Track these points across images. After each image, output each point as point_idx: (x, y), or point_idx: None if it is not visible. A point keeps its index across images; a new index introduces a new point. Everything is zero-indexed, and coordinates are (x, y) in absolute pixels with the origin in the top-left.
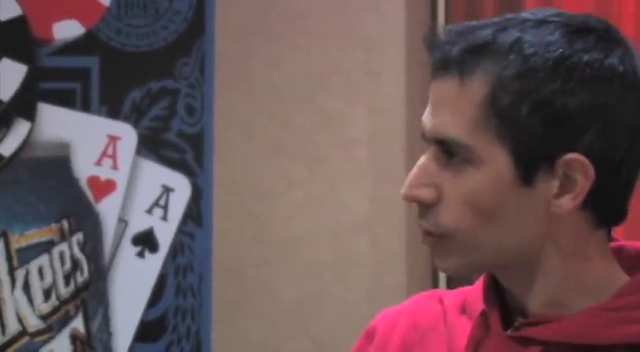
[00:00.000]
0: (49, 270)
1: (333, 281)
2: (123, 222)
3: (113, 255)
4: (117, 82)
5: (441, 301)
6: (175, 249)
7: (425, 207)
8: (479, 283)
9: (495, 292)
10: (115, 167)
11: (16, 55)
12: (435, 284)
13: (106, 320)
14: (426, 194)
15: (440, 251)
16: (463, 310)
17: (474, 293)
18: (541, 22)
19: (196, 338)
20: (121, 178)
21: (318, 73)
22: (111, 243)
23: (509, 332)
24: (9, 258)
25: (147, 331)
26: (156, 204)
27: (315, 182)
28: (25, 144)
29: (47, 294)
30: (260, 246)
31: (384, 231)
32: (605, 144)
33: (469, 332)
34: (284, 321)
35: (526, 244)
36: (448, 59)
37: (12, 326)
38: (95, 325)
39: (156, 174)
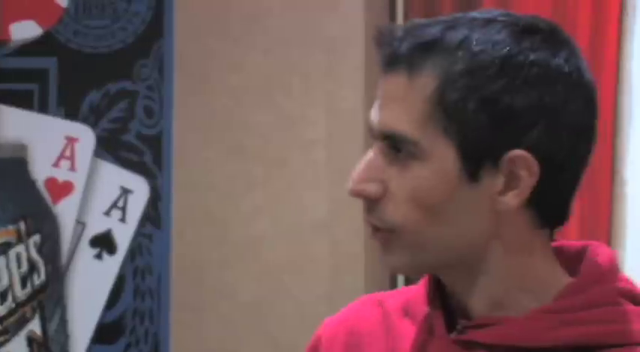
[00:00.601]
0: (5, 272)
1: (292, 283)
2: (81, 223)
3: (71, 256)
4: (75, 83)
5: (380, 304)
6: (134, 251)
7: (371, 203)
8: (421, 283)
9: (438, 293)
10: (72, 168)
11: None
12: (393, 285)
13: (64, 323)
14: (372, 189)
15: (387, 247)
16: (405, 312)
17: (416, 294)
18: (489, 21)
19: (154, 340)
20: (79, 180)
21: (277, 74)
22: (68, 244)
23: (453, 335)
24: None
25: (104, 333)
26: (114, 205)
27: (274, 183)
28: None
29: (3, 296)
30: (219, 248)
31: (343, 232)
32: (550, 143)
33: (412, 335)
34: (243, 323)
35: (471, 242)
36: (397, 55)
37: None
38: (52, 327)
39: (114, 176)
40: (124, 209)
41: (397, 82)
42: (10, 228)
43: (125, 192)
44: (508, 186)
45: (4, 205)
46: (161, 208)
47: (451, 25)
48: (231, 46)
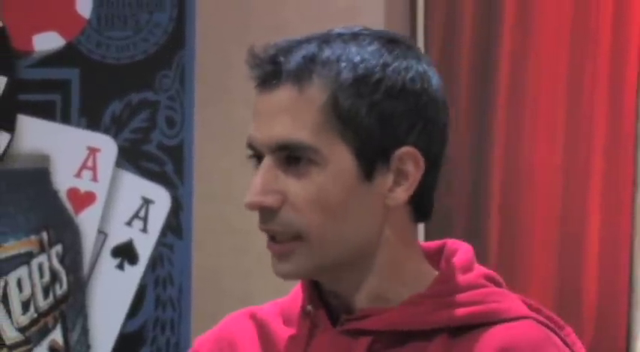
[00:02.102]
0: (27, 282)
1: None
2: (102, 233)
3: (92, 266)
4: (97, 93)
5: (252, 316)
6: (155, 261)
7: (269, 213)
8: (294, 292)
9: (316, 292)
10: (94, 179)
11: None
12: None
13: (85, 332)
14: (271, 199)
15: (289, 255)
16: (284, 319)
17: (290, 301)
18: (356, 35)
19: (175, 350)
20: (100, 190)
21: None
22: (90, 254)
23: (338, 327)
24: None
25: (126, 343)
26: (135, 216)
27: None
28: (5, 155)
29: (26, 306)
30: (240, 258)
31: None
32: (428, 140)
33: (292, 335)
34: None
35: (366, 238)
36: (281, 71)
37: None
38: (74, 337)
39: (136, 186)
40: (145, 219)
41: (285, 95)
42: (33, 238)
43: (146, 202)
44: (397, 182)
45: (26, 215)
46: (182, 218)
47: (325, 40)
48: None
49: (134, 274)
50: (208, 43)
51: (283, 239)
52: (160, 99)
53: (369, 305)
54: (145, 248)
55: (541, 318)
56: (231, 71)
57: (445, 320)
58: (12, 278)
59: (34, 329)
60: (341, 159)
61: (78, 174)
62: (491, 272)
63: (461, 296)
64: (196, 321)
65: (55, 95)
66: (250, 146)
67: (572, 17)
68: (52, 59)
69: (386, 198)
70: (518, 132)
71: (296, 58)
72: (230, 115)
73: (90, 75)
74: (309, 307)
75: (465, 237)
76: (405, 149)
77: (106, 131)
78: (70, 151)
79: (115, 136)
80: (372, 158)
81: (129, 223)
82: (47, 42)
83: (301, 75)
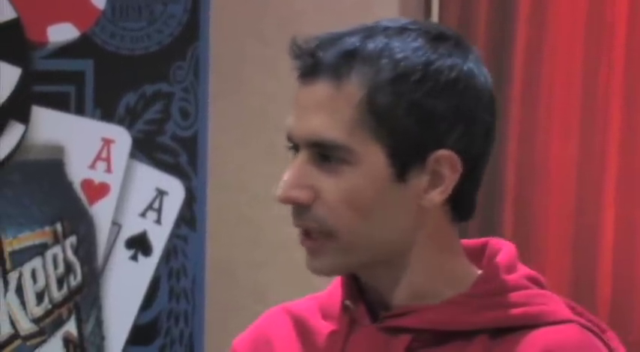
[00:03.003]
0: (42, 273)
1: (325, 286)
2: (116, 225)
3: (106, 258)
4: (111, 85)
5: (288, 312)
6: (169, 253)
7: (301, 208)
8: (333, 286)
9: (356, 288)
10: (108, 170)
11: (11, 58)
12: None
13: (99, 324)
14: (303, 195)
15: (320, 251)
16: (322, 314)
17: (329, 296)
18: (402, 30)
19: (189, 342)
20: (114, 181)
21: None
22: (104, 246)
23: (377, 324)
24: (2, 261)
25: (140, 334)
26: (150, 207)
27: None
28: (19, 147)
29: (40, 297)
30: (253, 250)
31: None
32: (468, 142)
33: (331, 330)
34: None
35: (399, 238)
36: (320, 65)
37: (4, 330)
38: (88, 328)
39: (150, 178)
40: (159, 210)
41: (322, 90)
42: (47, 229)
43: (160, 193)
44: (432, 184)
45: (40, 207)
46: (196, 210)
47: (368, 35)
48: (265, 48)
49: (148, 265)
50: (223, 34)
51: (316, 235)
52: (174, 91)
53: (409, 302)
54: (158, 239)
55: (585, 322)
56: (245, 62)
57: (488, 321)
58: (26, 269)
59: (48, 320)
60: (374, 158)
61: (92, 166)
62: (534, 272)
63: (505, 297)
64: (210, 313)
65: (70, 86)
66: (289, 137)
67: (587, 11)
68: (67, 50)
69: (421, 199)
70: (533, 126)
71: (335, 53)
72: (244, 107)
73: (104, 66)
74: (347, 302)
75: (480, 231)
76: (442, 152)
77: (120, 122)
78: (84, 142)
79: (129, 127)
80: (406, 159)
81: (143, 214)
82: (61, 33)
83: (339, 70)
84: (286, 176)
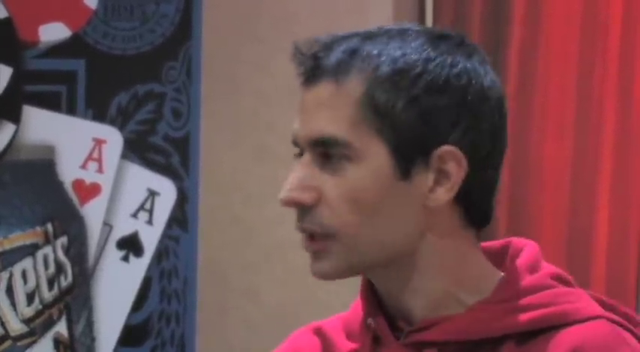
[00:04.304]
0: (32, 274)
1: (317, 287)
2: (108, 225)
3: (97, 258)
4: (103, 85)
5: (316, 331)
6: (160, 254)
7: (305, 210)
8: (354, 306)
9: (376, 302)
10: (100, 170)
11: (2, 57)
12: None
13: (90, 325)
14: (306, 196)
15: (323, 254)
16: (346, 333)
17: (352, 314)
18: (403, 31)
19: (180, 343)
20: (106, 182)
21: None
22: (95, 246)
23: (402, 340)
24: None
25: (131, 335)
26: (141, 207)
27: None
28: (10, 146)
29: (30, 298)
30: (245, 251)
31: None
32: (474, 140)
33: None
34: (268, 326)
35: (404, 239)
36: (322, 66)
37: None
38: (79, 329)
39: (141, 178)
40: (150, 211)
41: (324, 90)
42: (38, 229)
43: (152, 194)
44: (438, 182)
45: (31, 207)
46: (188, 210)
47: (369, 36)
48: (258, 48)
49: (139, 266)
50: (215, 34)
51: (319, 237)
52: (166, 91)
53: (430, 313)
54: (150, 240)
55: (615, 317)
56: (238, 63)
57: (513, 326)
58: (17, 269)
59: (38, 320)
60: (377, 155)
61: (83, 166)
62: (559, 270)
63: (528, 299)
64: (202, 314)
65: (61, 86)
66: (294, 142)
67: (581, 12)
68: (58, 50)
69: (427, 198)
70: (528, 126)
71: (336, 54)
72: (237, 107)
73: (96, 66)
74: (369, 320)
75: None
76: (446, 148)
77: (112, 122)
78: (75, 142)
79: (121, 128)
80: (409, 155)
81: (134, 215)
82: (53, 32)
83: (340, 70)
84: (289, 178)
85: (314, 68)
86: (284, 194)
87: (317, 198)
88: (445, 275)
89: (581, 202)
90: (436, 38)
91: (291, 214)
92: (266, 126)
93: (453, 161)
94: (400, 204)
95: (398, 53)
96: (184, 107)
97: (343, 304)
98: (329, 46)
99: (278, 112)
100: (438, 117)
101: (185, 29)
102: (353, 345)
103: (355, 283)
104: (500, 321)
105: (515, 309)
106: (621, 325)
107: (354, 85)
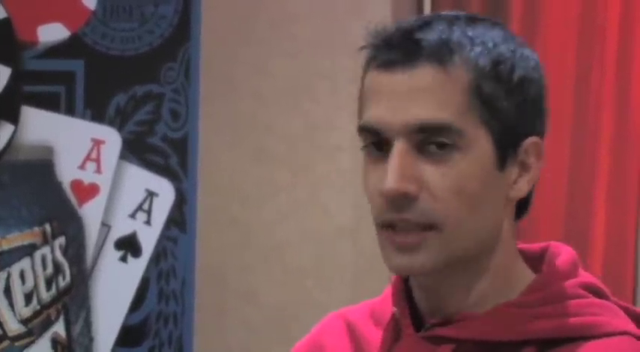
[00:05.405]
0: (30, 274)
1: (315, 288)
2: (106, 226)
3: (95, 259)
4: (102, 85)
5: (343, 317)
6: (158, 254)
7: (405, 201)
8: (385, 294)
9: (405, 295)
10: (98, 171)
11: (0, 58)
12: None
13: (88, 325)
14: (412, 186)
15: (418, 247)
16: (373, 320)
17: (382, 302)
18: (471, 19)
19: (178, 344)
20: (104, 182)
21: (303, 79)
22: (93, 247)
23: (421, 333)
24: None
25: (128, 336)
26: (139, 208)
27: (298, 188)
28: (8, 147)
29: (28, 298)
30: (243, 252)
31: (367, 238)
32: (544, 131)
33: (380, 338)
34: (266, 327)
35: (492, 232)
36: (419, 50)
37: None
38: (76, 329)
39: (140, 179)
40: (149, 212)
41: (425, 75)
42: (36, 229)
43: (150, 194)
44: (520, 174)
45: (29, 207)
46: (186, 211)
47: (449, 21)
48: (257, 50)
49: (137, 267)
50: (214, 35)
51: (413, 228)
52: (164, 92)
53: (462, 308)
54: (148, 241)
55: None
56: (236, 64)
57: (534, 333)
58: (15, 270)
59: (36, 321)
60: (482, 145)
61: (82, 166)
62: (594, 280)
63: (555, 307)
64: (199, 315)
65: (60, 86)
66: (372, 130)
67: (579, 15)
68: (57, 50)
69: (510, 189)
70: None
71: (434, 37)
72: (235, 108)
73: (95, 66)
74: (395, 310)
75: None
76: (532, 139)
77: (111, 123)
78: (74, 143)
79: (120, 128)
80: (507, 146)
81: (133, 216)
82: (52, 33)
83: (442, 55)
84: (392, 168)
85: (409, 51)
86: (390, 185)
87: (420, 188)
88: (496, 273)
89: (578, 205)
90: (502, 28)
91: (290, 216)
92: (264, 128)
93: (534, 152)
94: (494, 195)
95: (491, 43)
96: (183, 108)
97: (341, 305)
98: (422, 28)
99: (276, 113)
100: (529, 107)
101: (184, 30)
102: (377, 332)
103: (355, 283)
104: (521, 326)
105: (538, 316)
106: None
107: (462, 72)
